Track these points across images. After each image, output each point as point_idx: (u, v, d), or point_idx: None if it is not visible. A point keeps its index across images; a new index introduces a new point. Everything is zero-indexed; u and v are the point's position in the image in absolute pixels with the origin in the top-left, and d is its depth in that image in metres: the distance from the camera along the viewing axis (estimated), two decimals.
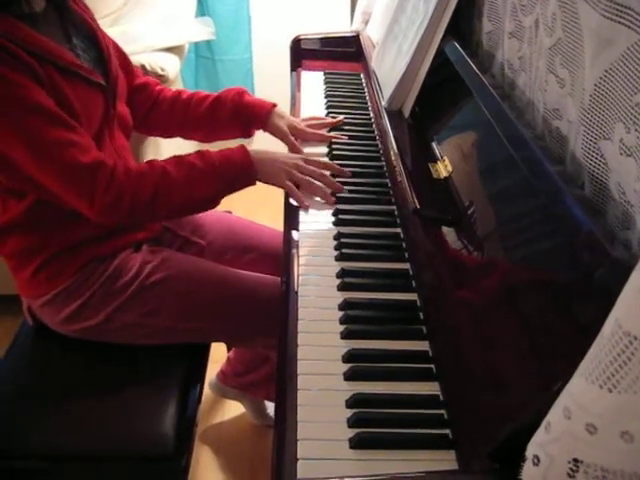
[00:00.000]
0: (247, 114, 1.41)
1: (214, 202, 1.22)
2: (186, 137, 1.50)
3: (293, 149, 1.39)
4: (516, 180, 0.84)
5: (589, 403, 0.52)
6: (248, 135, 1.45)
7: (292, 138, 1.40)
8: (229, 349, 1.72)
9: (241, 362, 1.66)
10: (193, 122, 1.42)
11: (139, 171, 1.14)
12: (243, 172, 1.21)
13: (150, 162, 1.18)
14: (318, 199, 1.23)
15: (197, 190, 1.17)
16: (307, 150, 1.39)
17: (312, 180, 1.24)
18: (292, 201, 1.22)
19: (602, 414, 0.51)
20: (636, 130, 0.62)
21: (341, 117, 1.51)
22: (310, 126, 1.45)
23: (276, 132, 1.41)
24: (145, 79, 1.44)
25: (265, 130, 1.43)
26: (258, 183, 1.25)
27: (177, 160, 1.18)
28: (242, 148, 1.23)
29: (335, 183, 1.25)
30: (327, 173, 1.27)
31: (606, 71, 0.69)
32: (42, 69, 1.05)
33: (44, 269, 1.20)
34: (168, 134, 1.52)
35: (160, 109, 1.42)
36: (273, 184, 1.25)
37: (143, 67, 2.02)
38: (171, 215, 1.32)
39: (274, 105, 1.43)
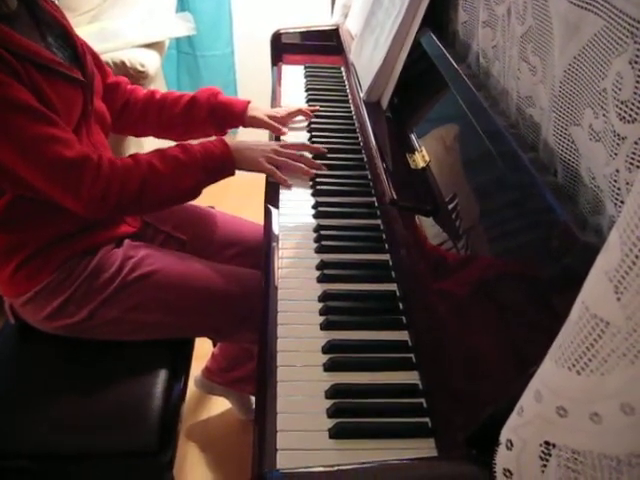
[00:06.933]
0: (223, 114, 1.44)
1: (196, 193, 1.25)
2: (159, 137, 1.52)
3: (275, 131, 1.45)
4: (492, 169, 0.84)
5: (559, 386, 0.52)
6: (222, 133, 1.48)
7: (272, 122, 1.45)
8: (214, 345, 1.71)
9: (226, 358, 1.65)
10: (167, 123, 1.45)
11: (125, 164, 1.15)
12: (223, 163, 1.24)
13: (134, 156, 1.19)
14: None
15: (182, 182, 1.20)
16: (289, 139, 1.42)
17: (290, 161, 1.29)
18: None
19: (571, 396, 0.51)
20: (604, 115, 0.63)
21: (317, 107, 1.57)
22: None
23: (255, 123, 1.45)
24: (116, 78, 1.45)
25: (245, 125, 1.47)
26: (242, 177, 1.28)
27: (161, 153, 1.20)
28: (221, 140, 1.26)
29: (314, 162, 1.31)
30: (305, 154, 1.34)
31: (575, 57, 0.69)
32: (22, 67, 1.05)
33: (24, 267, 1.19)
34: (141, 134, 1.54)
35: (133, 110, 1.44)
36: (254, 170, 1.28)
37: (123, 63, 2.01)
38: (155, 208, 1.33)
39: (249, 102, 1.46)
